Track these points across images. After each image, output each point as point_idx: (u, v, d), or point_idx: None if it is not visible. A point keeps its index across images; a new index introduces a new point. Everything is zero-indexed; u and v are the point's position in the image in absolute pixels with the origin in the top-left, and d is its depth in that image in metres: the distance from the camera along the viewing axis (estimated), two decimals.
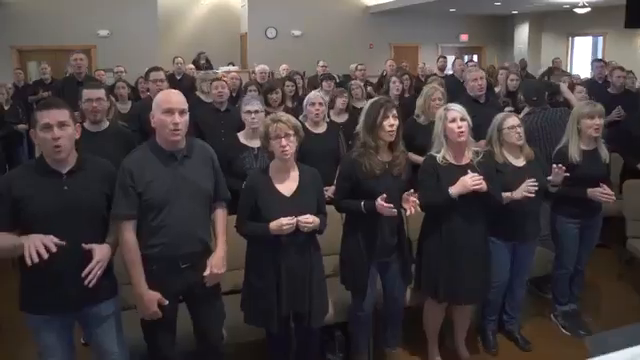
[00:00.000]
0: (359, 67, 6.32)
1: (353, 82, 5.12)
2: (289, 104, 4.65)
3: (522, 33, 12.08)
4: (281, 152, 2.14)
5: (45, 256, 1.70)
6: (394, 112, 2.31)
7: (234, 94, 5.08)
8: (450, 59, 7.42)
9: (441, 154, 2.47)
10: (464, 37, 12.54)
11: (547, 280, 3.32)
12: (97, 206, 1.95)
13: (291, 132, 2.15)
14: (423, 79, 7.07)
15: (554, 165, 2.65)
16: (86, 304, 1.95)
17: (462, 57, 9.84)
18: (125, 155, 2.86)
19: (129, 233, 1.96)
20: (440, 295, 2.51)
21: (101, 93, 2.95)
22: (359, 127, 3.33)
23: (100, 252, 1.86)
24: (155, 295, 1.97)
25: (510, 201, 2.55)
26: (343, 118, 4.18)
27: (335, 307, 2.55)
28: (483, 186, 2.34)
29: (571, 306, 3.14)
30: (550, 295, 3.28)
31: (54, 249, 1.71)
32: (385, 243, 2.43)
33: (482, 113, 3.06)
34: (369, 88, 6.15)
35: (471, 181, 2.33)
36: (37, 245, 1.70)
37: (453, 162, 2.46)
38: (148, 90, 6.15)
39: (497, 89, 5.28)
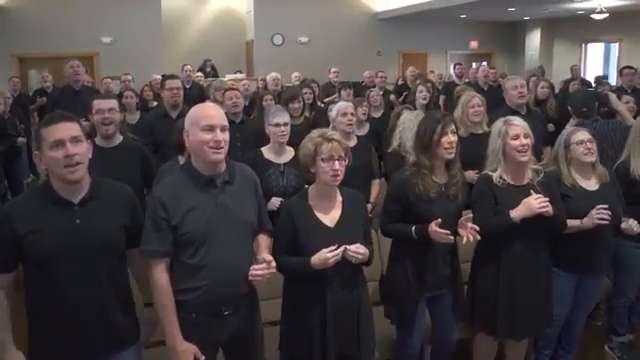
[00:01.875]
0: (379, 74, 6.06)
1: (373, 90, 4.86)
2: (306, 114, 4.38)
3: (533, 40, 11.89)
4: (332, 177, 1.85)
5: None
6: (452, 127, 2.07)
7: (246, 103, 4.81)
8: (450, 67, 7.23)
9: (497, 173, 2.22)
10: (474, 44, 12.36)
11: (597, 307, 3.05)
12: (114, 241, 1.67)
13: (344, 154, 1.87)
14: (439, 87, 6.85)
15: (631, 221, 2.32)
16: (109, 352, 1.67)
17: (470, 64, 9.65)
18: (142, 175, 2.63)
19: (162, 274, 1.67)
20: (498, 330, 2.25)
21: (113, 103, 2.67)
22: (398, 144, 3.13)
23: None
24: (192, 348, 1.68)
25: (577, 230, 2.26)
26: (364, 130, 3.92)
27: (378, 343, 2.24)
28: (550, 209, 2.08)
29: (629, 337, 2.90)
30: (600, 322, 3.04)
31: None
32: (437, 274, 2.17)
33: None
34: (391, 97, 5.90)
35: (536, 203, 2.07)
36: None
37: (512, 182, 2.20)
38: (154, 98, 6.01)
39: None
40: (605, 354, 2.89)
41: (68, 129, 1.56)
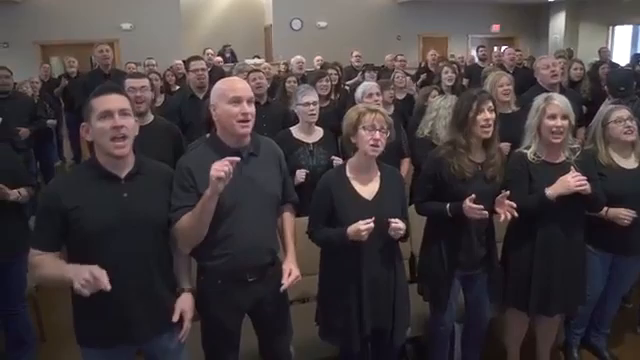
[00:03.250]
0: (399, 57, 5.97)
1: (398, 71, 4.80)
2: (332, 96, 4.34)
3: (558, 23, 11.56)
4: (372, 146, 1.85)
5: (106, 287, 1.39)
6: (490, 104, 2.02)
7: (268, 86, 4.79)
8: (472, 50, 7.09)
9: (532, 150, 2.18)
10: (496, 27, 12.08)
11: (630, 289, 2.96)
12: (160, 216, 1.67)
13: (386, 127, 1.87)
14: (462, 70, 6.72)
15: None
16: (152, 334, 1.68)
17: (492, 49, 9.42)
18: (173, 153, 2.64)
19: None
20: (531, 306, 2.23)
21: (145, 82, 2.69)
22: (430, 131, 3.07)
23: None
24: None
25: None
26: (389, 111, 3.87)
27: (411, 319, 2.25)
28: (587, 187, 2.04)
29: None
30: (631, 305, 3.02)
31: (106, 285, 1.39)
32: (472, 254, 2.15)
33: None
34: (407, 78, 5.82)
35: (574, 181, 2.03)
36: (87, 278, 1.37)
37: (547, 160, 2.17)
38: (177, 82, 6.03)
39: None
40: (638, 337, 2.85)
41: (118, 101, 1.56)
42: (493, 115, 2.02)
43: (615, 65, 6.63)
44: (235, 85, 1.73)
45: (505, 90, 3.07)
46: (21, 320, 2.51)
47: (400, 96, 4.58)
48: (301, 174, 2.63)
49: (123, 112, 1.56)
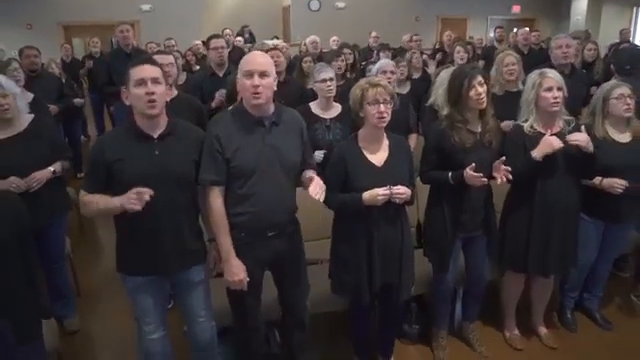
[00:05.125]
0: (414, 37, 6.02)
1: (415, 52, 4.88)
2: (348, 75, 4.46)
3: (580, 3, 11.32)
4: (378, 119, 2.01)
5: (147, 196, 1.70)
6: (479, 79, 2.15)
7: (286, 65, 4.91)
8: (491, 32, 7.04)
9: (529, 123, 2.32)
10: (516, 8, 11.92)
11: (625, 259, 3.17)
12: (187, 172, 1.90)
13: (389, 98, 2.02)
14: (479, 52, 6.72)
15: None
16: (180, 268, 1.95)
17: (512, 30, 9.31)
18: (196, 125, 2.83)
19: (216, 199, 1.91)
20: (529, 267, 2.40)
21: (171, 59, 2.88)
22: (433, 100, 3.21)
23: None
24: (242, 265, 1.93)
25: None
26: (405, 89, 4.05)
27: (416, 280, 2.42)
28: (590, 146, 2.21)
29: None
30: (627, 274, 3.15)
31: (150, 194, 1.70)
32: (472, 217, 2.31)
33: (567, 85, 2.78)
34: (424, 56, 5.87)
35: (557, 141, 2.17)
36: (134, 197, 1.69)
37: (542, 131, 2.29)
38: (197, 62, 6.19)
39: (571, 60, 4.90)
40: (630, 302, 2.99)
41: (150, 70, 1.80)
42: (485, 88, 2.15)
43: (635, 46, 6.55)
44: (251, 59, 1.89)
45: (510, 70, 3.15)
46: (60, 276, 2.79)
47: (416, 75, 4.67)
48: (319, 155, 2.78)
49: (155, 80, 1.80)
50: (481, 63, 6.05)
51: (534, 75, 2.33)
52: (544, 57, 4.09)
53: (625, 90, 2.40)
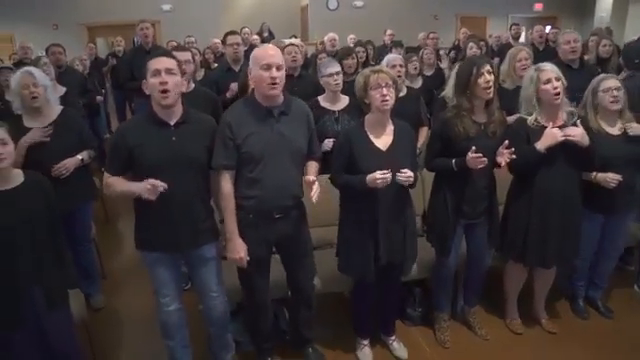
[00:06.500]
0: (431, 35, 6.07)
1: (427, 48, 4.96)
2: (360, 70, 4.55)
3: (605, 1, 11.10)
4: (381, 102, 2.11)
5: (161, 188, 1.87)
6: (488, 67, 2.23)
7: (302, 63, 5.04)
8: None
9: (533, 117, 2.37)
10: (538, 6, 11.75)
11: (631, 252, 3.21)
12: (201, 158, 2.05)
13: (391, 82, 2.13)
14: (495, 49, 6.72)
15: None
16: (193, 245, 2.10)
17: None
18: (212, 116, 2.99)
19: (226, 183, 2.05)
20: (527, 258, 2.47)
21: (188, 55, 3.03)
22: (445, 92, 3.28)
23: None
24: (244, 244, 2.07)
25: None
26: (418, 84, 4.15)
27: (417, 263, 2.55)
28: (585, 140, 2.26)
29: None
30: (633, 267, 3.18)
31: (164, 187, 1.87)
32: (474, 204, 2.39)
33: (575, 79, 2.82)
34: (441, 52, 5.91)
35: (560, 133, 2.23)
36: (148, 187, 1.88)
37: (545, 125, 2.35)
38: (215, 60, 6.37)
39: (586, 57, 4.89)
40: (634, 293, 3.04)
41: (165, 62, 1.96)
42: (492, 77, 2.23)
43: None
44: (268, 52, 2.02)
45: (523, 65, 3.19)
46: (87, 257, 3.00)
47: (428, 72, 4.74)
48: (329, 143, 2.90)
49: (169, 71, 1.94)
50: (496, 60, 6.08)
51: (530, 71, 2.39)
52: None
53: (613, 83, 2.45)
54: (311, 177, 2.10)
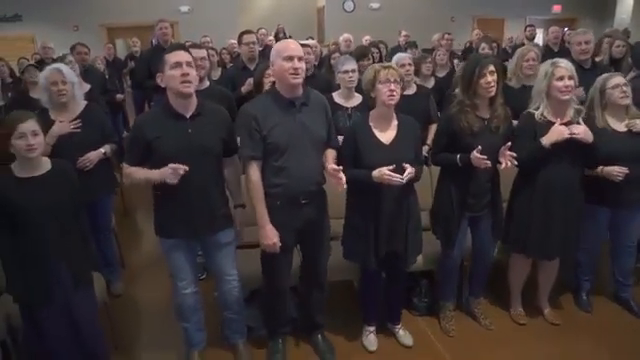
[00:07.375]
0: (445, 36, 6.10)
1: (439, 50, 5.01)
2: None
3: (626, 2, 10.93)
4: (388, 97, 2.20)
5: (182, 171, 1.99)
6: (491, 68, 2.30)
7: (316, 63, 5.14)
8: (539, 31, 6.99)
9: (540, 111, 2.44)
10: (557, 8, 11.62)
11: None
12: (216, 148, 2.18)
13: (399, 80, 2.21)
14: (510, 50, 6.73)
15: None
16: (209, 231, 2.22)
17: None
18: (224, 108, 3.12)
19: (255, 172, 2.15)
20: (529, 250, 2.53)
21: (204, 53, 3.16)
22: (457, 90, 3.33)
23: None
24: (275, 231, 2.16)
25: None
26: (430, 84, 4.21)
27: (423, 255, 2.63)
28: (588, 136, 2.31)
29: None
30: None
31: (184, 169, 1.99)
32: (478, 198, 2.47)
33: (587, 79, 2.88)
34: (455, 61, 5.95)
35: (567, 130, 2.29)
36: (170, 172, 1.99)
37: (552, 120, 2.40)
38: (231, 60, 6.51)
39: (598, 59, 4.89)
40: None
41: (185, 56, 2.08)
42: (495, 77, 2.29)
43: None
44: (289, 46, 2.14)
45: (530, 65, 3.23)
46: (108, 245, 3.16)
47: (441, 73, 4.79)
48: (340, 139, 2.99)
49: (189, 64, 2.07)
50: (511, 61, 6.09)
51: (546, 65, 2.44)
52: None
53: (620, 80, 2.51)
54: (334, 165, 2.16)
